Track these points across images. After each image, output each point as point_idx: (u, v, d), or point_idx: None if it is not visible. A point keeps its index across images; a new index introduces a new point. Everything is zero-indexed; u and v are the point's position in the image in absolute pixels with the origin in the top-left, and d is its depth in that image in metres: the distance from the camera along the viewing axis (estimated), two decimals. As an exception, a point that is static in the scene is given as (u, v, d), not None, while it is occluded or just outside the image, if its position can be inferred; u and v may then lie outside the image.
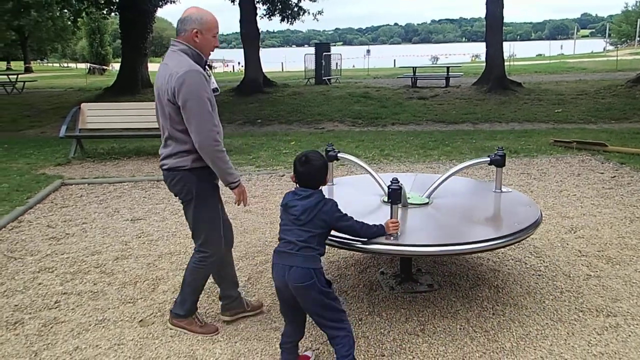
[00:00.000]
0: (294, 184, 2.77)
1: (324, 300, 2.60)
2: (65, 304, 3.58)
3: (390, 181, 3.00)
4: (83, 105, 8.91)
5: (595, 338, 3.05)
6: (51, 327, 3.29)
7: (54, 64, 61.39)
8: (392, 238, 2.96)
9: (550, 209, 5.35)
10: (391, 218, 2.99)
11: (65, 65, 58.87)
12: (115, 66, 35.98)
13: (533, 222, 3.30)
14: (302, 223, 2.63)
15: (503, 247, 3.22)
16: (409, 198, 3.63)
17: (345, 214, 2.76)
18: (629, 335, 3.06)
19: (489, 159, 3.90)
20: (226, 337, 3.15)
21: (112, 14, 23.76)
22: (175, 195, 3.13)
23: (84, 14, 23.15)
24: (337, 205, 2.73)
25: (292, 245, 2.61)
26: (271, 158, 8.17)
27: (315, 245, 2.64)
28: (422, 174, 5.22)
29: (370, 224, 2.89)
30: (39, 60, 59.30)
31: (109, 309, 3.53)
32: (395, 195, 2.96)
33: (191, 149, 2.96)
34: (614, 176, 6.59)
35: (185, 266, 4.14)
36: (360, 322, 3.27)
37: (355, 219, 2.81)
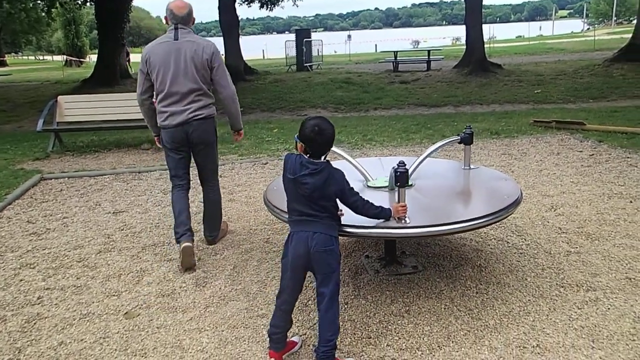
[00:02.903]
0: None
1: (336, 271, 2.65)
2: (48, 299, 3.55)
3: (397, 164, 2.99)
4: (60, 98, 8.76)
5: (576, 312, 3.10)
6: (34, 323, 3.26)
7: (29, 57, 60.31)
8: (402, 221, 2.95)
9: (530, 188, 5.42)
10: (398, 202, 2.98)
11: (41, 57, 57.85)
12: (93, 58, 35.45)
13: (514, 201, 3.33)
14: (315, 199, 2.62)
15: (485, 226, 3.25)
16: (386, 181, 3.65)
17: (352, 187, 2.75)
18: (608, 309, 3.12)
19: (459, 137, 4.02)
20: (212, 326, 3.15)
21: (88, 3, 23.37)
22: (198, 142, 4.04)
23: (57, 5, 22.71)
24: (344, 176, 2.69)
25: (312, 216, 2.63)
26: (254, 146, 8.13)
27: (335, 211, 2.71)
28: (387, 157, 5.25)
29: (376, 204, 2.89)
30: (13, 54, 58.19)
31: (93, 302, 3.50)
32: (403, 178, 2.96)
33: (214, 102, 4.13)
34: (593, 154, 6.67)
35: (170, 258, 4.15)
36: (346, 306, 3.29)
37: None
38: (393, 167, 3.07)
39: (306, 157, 2.64)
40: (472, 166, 4.16)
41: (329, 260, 2.63)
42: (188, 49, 3.91)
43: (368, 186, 3.66)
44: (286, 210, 2.80)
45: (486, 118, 9.76)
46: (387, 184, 3.61)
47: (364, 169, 3.78)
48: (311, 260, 2.62)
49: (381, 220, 2.96)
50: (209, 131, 4.07)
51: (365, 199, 2.84)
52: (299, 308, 3.25)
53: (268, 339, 2.82)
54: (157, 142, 4.29)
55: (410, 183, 3.68)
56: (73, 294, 3.62)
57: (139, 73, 4.03)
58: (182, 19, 3.97)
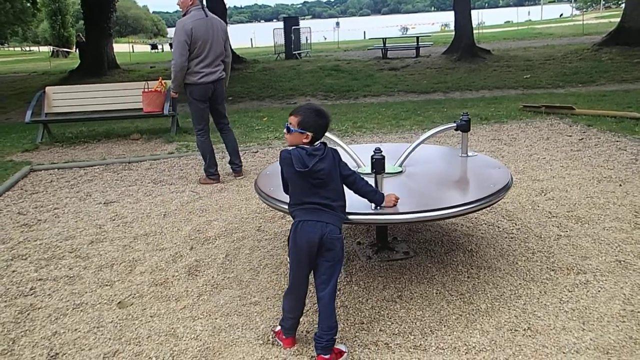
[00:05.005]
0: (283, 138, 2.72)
1: (342, 260, 2.69)
2: (41, 290, 3.54)
3: (374, 151, 2.99)
4: (48, 88, 8.69)
5: (566, 295, 3.14)
6: (28, 314, 3.25)
7: (15, 48, 59.50)
8: (378, 208, 2.95)
9: (520, 173, 5.45)
10: (375, 186, 2.99)
11: (27, 49, 57.10)
12: (80, 48, 34.95)
13: (504, 186, 3.35)
14: (328, 183, 2.64)
15: (476, 211, 3.27)
16: (382, 167, 3.65)
17: (346, 163, 2.79)
18: (599, 291, 3.16)
19: (455, 124, 3.97)
20: (206, 314, 3.16)
21: (73, -7, 23.02)
22: (219, 94, 5.55)
23: (43, -5, 22.39)
24: (338, 153, 2.75)
25: (326, 206, 2.63)
26: (244, 135, 8.10)
27: (343, 196, 2.73)
28: (390, 144, 5.27)
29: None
30: (-1, 45, 57.38)
31: (86, 292, 3.50)
32: (379, 165, 2.96)
33: None
34: (582, 138, 6.72)
35: (163, 246, 4.15)
36: (339, 292, 3.30)
37: None
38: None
39: (308, 147, 2.64)
40: (469, 153, 4.08)
41: (338, 248, 2.64)
42: (217, 24, 5.35)
43: (358, 172, 3.66)
44: (278, 198, 2.78)
45: (475, 104, 9.78)
46: (396, 170, 3.65)
47: (355, 154, 3.78)
48: (323, 247, 2.60)
49: (373, 207, 2.95)
50: (224, 85, 5.64)
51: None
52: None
53: (279, 327, 2.84)
54: (175, 95, 5.64)
55: (400, 169, 3.70)
56: (66, 285, 3.61)
57: (183, 44, 5.13)
58: None
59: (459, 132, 4.05)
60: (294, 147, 2.66)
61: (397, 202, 2.96)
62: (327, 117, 2.71)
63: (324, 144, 2.70)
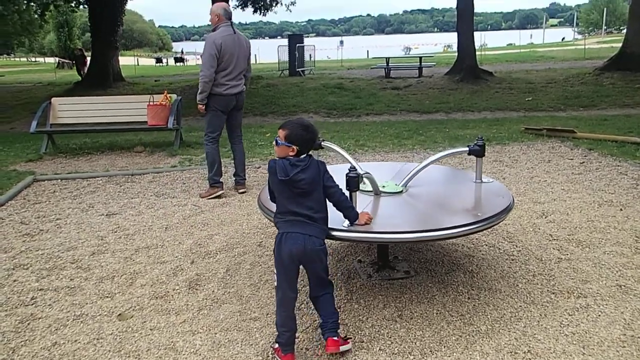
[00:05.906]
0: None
1: (325, 264, 2.82)
2: (42, 300, 3.55)
3: (348, 169, 3.05)
4: (54, 99, 8.74)
5: (566, 319, 3.14)
6: (28, 324, 3.26)
7: (22, 59, 59.98)
8: (349, 225, 2.99)
9: (522, 195, 5.47)
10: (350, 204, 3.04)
11: (33, 59, 57.54)
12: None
13: (505, 208, 3.37)
14: (311, 193, 2.74)
15: (477, 232, 3.28)
16: (383, 187, 3.68)
17: (331, 176, 2.85)
18: (599, 315, 3.16)
19: (467, 148, 3.90)
20: (206, 329, 3.16)
21: (81, 6, 23.27)
22: (240, 106, 5.85)
23: (51, 7, 22.61)
24: (325, 165, 2.85)
25: (308, 217, 2.73)
26: (247, 150, 8.08)
27: (326, 207, 2.83)
28: (410, 163, 5.28)
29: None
30: (5, 55, 57.81)
31: (86, 304, 3.50)
32: (353, 183, 3.01)
33: None
34: (583, 162, 6.75)
35: (164, 259, 4.17)
36: (339, 310, 3.29)
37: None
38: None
39: (292, 158, 2.76)
40: (484, 179, 3.96)
41: (322, 255, 2.77)
42: (243, 41, 5.64)
43: (362, 191, 3.67)
44: (270, 208, 2.90)
45: (477, 125, 9.83)
46: (397, 189, 3.67)
47: (360, 168, 3.80)
48: (307, 259, 2.73)
49: (346, 224, 3.00)
50: (243, 101, 5.87)
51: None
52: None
53: (277, 345, 2.83)
54: (202, 109, 5.65)
55: (401, 189, 3.71)
56: (67, 295, 3.62)
57: (212, 57, 5.38)
58: (231, 16, 5.65)
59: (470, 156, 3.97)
60: (281, 158, 2.78)
61: (369, 221, 3.02)
62: (313, 132, 2.81)
63: (309, 156, 2.81)
